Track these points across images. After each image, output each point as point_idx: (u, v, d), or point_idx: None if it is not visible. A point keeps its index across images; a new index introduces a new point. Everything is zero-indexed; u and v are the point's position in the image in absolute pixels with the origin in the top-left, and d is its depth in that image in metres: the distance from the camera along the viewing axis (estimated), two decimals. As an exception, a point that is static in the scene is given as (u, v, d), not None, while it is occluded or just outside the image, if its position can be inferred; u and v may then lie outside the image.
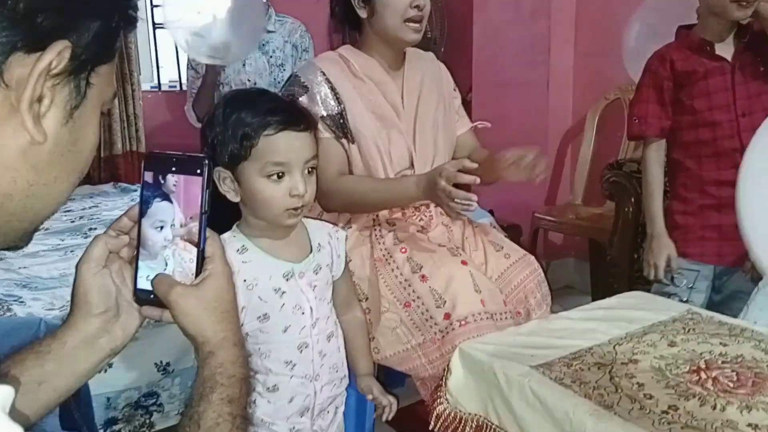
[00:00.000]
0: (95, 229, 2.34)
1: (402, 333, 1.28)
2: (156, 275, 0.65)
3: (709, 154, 1.46)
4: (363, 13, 1.38)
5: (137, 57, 3.17)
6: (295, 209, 0.99)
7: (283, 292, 1.03)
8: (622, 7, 2.53)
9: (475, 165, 1.17)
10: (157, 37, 3.45)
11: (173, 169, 0.64)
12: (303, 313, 1.05)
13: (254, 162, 0.97)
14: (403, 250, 1.34)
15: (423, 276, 1.28)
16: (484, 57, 2.90)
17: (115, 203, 2.68)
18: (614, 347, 1.07)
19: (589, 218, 2.40)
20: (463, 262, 1.30)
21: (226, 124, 0.97)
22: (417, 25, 1.36)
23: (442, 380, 1.12)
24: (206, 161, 0.63)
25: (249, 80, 2.25)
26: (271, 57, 2.26)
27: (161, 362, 1.61)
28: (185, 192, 0.64)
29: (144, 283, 0.66)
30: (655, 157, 1.53)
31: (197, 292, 0.64)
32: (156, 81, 3.51)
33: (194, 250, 0.64)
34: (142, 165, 0.65)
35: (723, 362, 1.01)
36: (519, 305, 1.39)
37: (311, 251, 1.08)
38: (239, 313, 0.97)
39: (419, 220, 1.43)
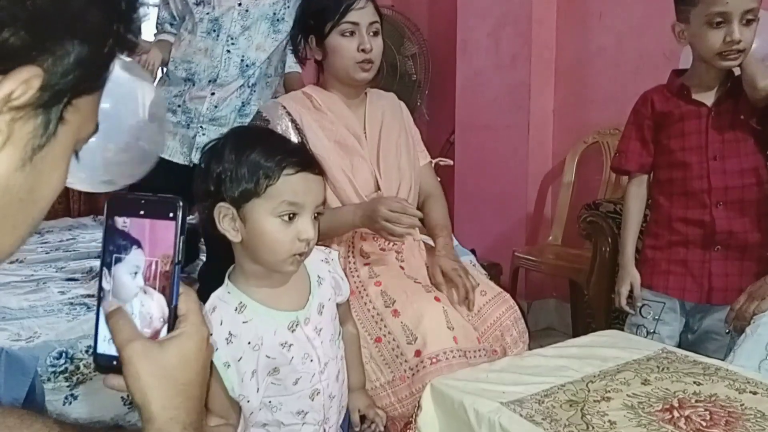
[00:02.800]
0: (69, 262, 2.30)
1: (371, 369, 1.25)
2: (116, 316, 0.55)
3: (679, 192, 1.49)
4: (318, 55, 1.47)
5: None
6: (300, 254, 0.96)
7: (291, 345, 0.98)
8: (601, 53, 2.61)
9: (418, 213, 1.24)
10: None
11: (141, 212, 0.54)
12: (312, 361, 1.01)
13: (268, 200, 0.93)
14: (378, 283, 1.33)
15: (395, 311, 1.26)
16: (467, 100, 2.95)
17: (93, 235, 2.65)
18: (587, 385, 1.05)
19: (568, 259, 2.41)
20: (437, 299, 1.29)
21: (239, 160, 0.94)
22: (367, 65, 1.43)
23: (413, 417, 1.09)
24: (180, 203, 0.54)
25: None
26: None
27: (128, 395, 1.57)
28: (153, 239, 0.54)
29: (106, 347, 0.55)
30: (635, 191, 1.57)
31: (158, 354, 0.53)
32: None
33: (164, 306, 0.54)
34: (105, 209, 0.55)
35: (696, 401, 1.00)
36: (495, 343, 1.37)
37: (310, 291, 1.04)
38: (229, 377, 0.92)
39: (393, 245, 1.44)
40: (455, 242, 1.66)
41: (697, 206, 1.46)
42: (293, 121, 1.42)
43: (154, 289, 0.55)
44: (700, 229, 1.46)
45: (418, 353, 1.21)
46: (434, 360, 1.19)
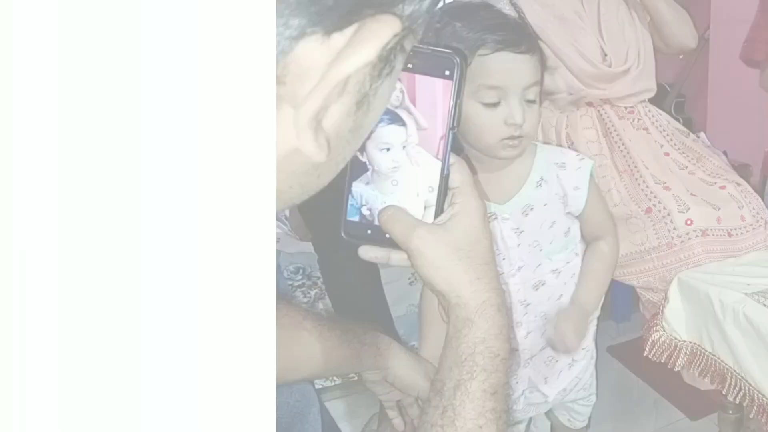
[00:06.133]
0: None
1: (640, 239, 1.28)
2: (384, 208, 0.50)
3: None
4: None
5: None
6: (512, 138, 0.85)
7: None
8: None
9: None
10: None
11: (408, 66, 0.47)
12: (504, 260, 0.93)
13: (467, 83, 0.83)
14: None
15: (666, 186, 1.31)
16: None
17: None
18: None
19: None
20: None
21: (439, 35, 0.84)
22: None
23: (660, 309, 1.15)
24: (457, 59, 0.47)
25: None
26: None
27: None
28: (423, 99, 0.48)
29: (358, 214, 0.50)
30: None
31: (446, 236, 0.48)
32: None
33: (432, 177, 0.49)
34: None
35: None
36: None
37: (520, 189, 0.94)
38: None
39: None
40: (707, 142, 1.60)
41: None
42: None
43: (425, 154, 0.49)
44: None
45: (689, 222, 1.24)
46: (705, 233, 1.21)
